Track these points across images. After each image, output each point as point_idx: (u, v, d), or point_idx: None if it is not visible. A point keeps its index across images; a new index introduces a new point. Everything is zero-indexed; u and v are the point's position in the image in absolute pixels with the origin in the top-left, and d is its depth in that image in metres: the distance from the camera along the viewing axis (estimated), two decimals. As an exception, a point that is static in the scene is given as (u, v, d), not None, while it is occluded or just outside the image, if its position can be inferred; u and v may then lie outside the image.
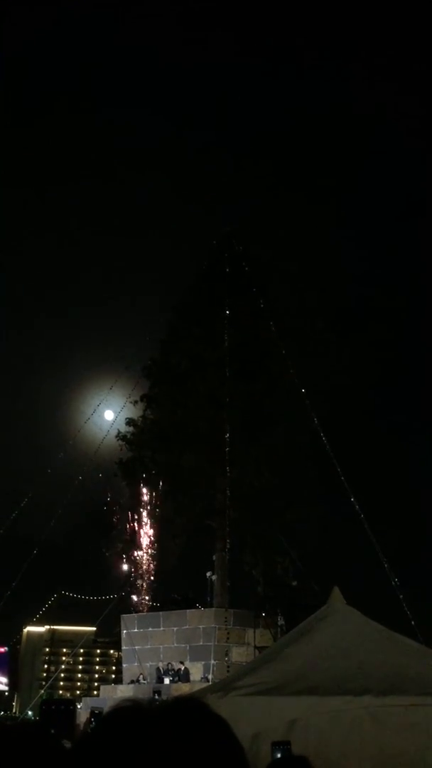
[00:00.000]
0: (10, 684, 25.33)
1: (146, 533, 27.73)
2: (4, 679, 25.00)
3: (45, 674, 61.51)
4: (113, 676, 43.18)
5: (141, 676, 24.41)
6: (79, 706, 19.95)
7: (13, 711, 26.22)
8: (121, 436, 28.05)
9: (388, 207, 43.12)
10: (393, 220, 41.99)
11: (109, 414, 29.97)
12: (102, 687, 28.39)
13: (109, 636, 31.81)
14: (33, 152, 43.10)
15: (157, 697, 19.32)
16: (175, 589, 26.83)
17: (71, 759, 1.14)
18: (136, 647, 25.36)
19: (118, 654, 31.27)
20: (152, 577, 27.27)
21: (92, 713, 12.32)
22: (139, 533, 27.67)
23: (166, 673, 23.39)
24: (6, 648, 27.48)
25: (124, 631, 25.96)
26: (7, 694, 26.43)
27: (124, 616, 26.44)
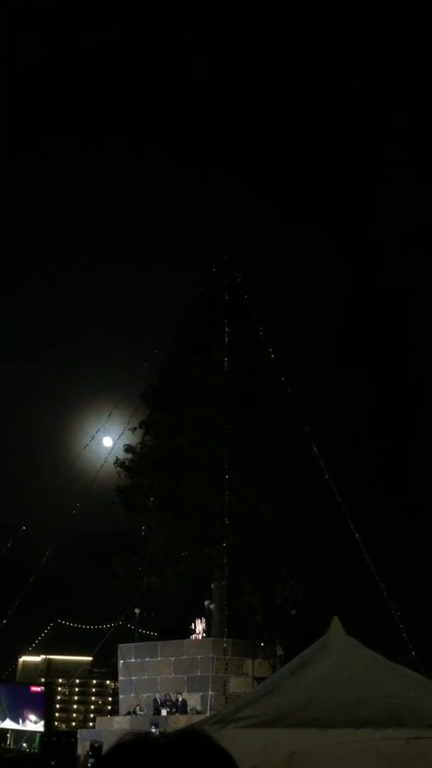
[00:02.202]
0: (44, 726, 23.98)
1: (144, 561, 27.48)
2: (34, 717, 24.16)
3: (40, 705, 60.30)
4: (109, 707, 42.45)
5: (138, 708, 24.05)
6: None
7: (8, 743, 25.66)
8: (119, 463, 27.97)
9: (388, 239, 43.41)
10: (393, 253, 42.20)
11: (107, 441, 29.93)
12: (98, 718, 27.94)
13: (106, 666, 31.40)
14: (33, 182, 43.46)
15: (154, 729, 19.06)
16: (174, 618, 26.59)
17: None
18: (133, 677, 25.04)
19: (115, 684, 30.80)
20: (150, 607, 27.00)
21: (92, 746, 12.17)
22: (137, 561, 27.41)
23: (164, 704, 23.05)
24: (42, 688, 26.74)
25: (121, 661, 25.63)
26: (7, 736, 25.36)
27: (120, 645, 26.11)
